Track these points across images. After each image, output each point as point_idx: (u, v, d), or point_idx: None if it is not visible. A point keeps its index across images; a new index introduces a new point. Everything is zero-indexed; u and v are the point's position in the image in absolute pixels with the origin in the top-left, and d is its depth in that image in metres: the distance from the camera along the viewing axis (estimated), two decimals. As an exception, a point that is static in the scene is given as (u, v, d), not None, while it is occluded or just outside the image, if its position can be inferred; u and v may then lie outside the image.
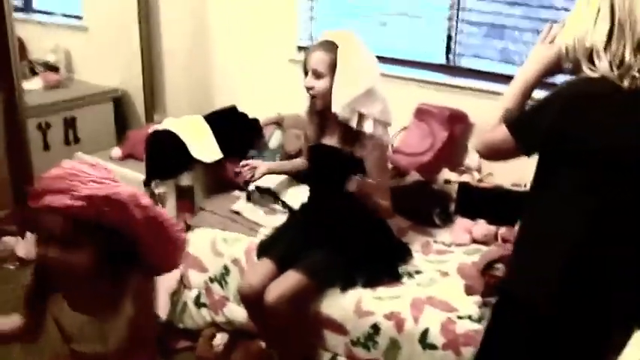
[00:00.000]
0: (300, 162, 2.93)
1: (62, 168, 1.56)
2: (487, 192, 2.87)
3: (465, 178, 3.09)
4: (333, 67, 2.50)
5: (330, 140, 2.63)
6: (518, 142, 1.69)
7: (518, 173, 3.03)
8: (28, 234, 3.83)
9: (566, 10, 3.10)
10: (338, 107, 2.50)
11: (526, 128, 1.70)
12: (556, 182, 1.68)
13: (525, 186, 2.99)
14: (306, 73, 2.58)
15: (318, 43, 2.62)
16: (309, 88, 2.57)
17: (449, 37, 3.44)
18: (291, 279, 2.45)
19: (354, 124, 2.53)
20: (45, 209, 1.50)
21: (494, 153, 1.80)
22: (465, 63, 3.46)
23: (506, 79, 3.21)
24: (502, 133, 1.71)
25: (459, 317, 2.32)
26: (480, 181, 3.03)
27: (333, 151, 2.60)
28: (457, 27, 3.40)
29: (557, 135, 1.62)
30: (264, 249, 2.70)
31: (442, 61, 3.49)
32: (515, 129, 1.69)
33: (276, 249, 2.63)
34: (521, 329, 1.74)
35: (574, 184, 1.65)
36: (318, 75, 2.52)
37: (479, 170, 3.12)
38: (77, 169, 1.55)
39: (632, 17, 1.58)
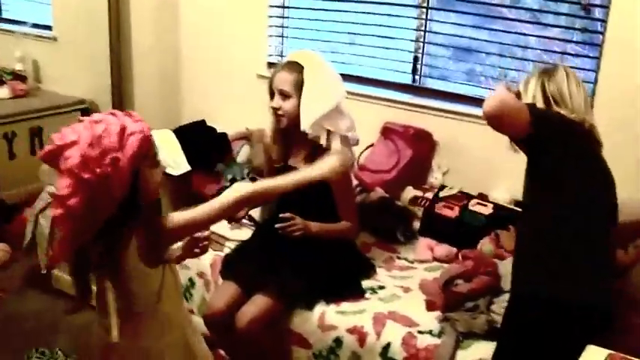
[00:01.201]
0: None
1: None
2: (450, 220, 2.94)
3: (428, 194, 3.15)
4: (299, 87, 2.53)
5: (296, 160, 2.66)
6: (532, 115, 1.87)
7: (480, 187, 3.12)
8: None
9: (531, 36, 3.21)
10: (307, 125, 2.54)
11: (543, 113, 1.95)
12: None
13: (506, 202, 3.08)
14: (271, 95, 2.60)
15: (282, 65, 2.65)
16: (276, 109, 2.58)
17: (415, 58, 3.51)
18: (261, 303, 2.46)
19: (323, 141, 2.58)
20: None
21: (504, 114, 1.88)
22: (431, 84, 3.53)
23: (471, 100, 3.33)
24: (522, 104, 1.89)
25: (420, 332, 2.36)
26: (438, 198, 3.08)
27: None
28: (424, 48, 3.48)
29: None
30: (229, 269, 2.71)
31: (408, 81, 3.56)
32: (534, 107, 1.93)
33: (242, 271, 2.63)
34: (571, 335, 1.85)
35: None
36: (285, 95, 2.56)
37: (442, 187, 3.18)
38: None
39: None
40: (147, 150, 1.62)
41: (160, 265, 1.72)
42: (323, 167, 1.85)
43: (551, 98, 2.06)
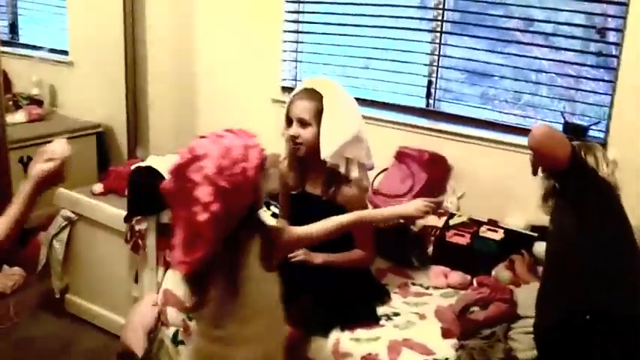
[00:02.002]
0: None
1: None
2: (462, 248, 2.92)
3: (439, 222, 3.13)
4: (318, 115, 2.52)
5: (313, 187, 2.65)
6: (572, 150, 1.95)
7: (495, 212, 3.10)
8: (6, 267, 3.81)
9: (545, 59, 3.20)
10: (328, 154, 2.52)
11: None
12: None
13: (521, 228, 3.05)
14: (288, 122, 2.58)
15: (300, 92, 2.61)
16: (294, 137, 2.56)
17: (429, 82, 3.51)
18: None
19: (342, 169, 2.56)
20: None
21: (549, 144, 1.96)
22: (445, 107, 3.53)
23: (485, 123, 3.32)
24: (567, 139, 1.98)
25: (436, 360, 2.33)
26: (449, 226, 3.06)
27: (316, 199, 2.62)
28: (437, 72, 3.48)
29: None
30: None
31: (422, 105, 3.56)
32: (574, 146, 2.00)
33: None
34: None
35: None
36: (304, 123, 2.53)
37: (451, 215, 3.16)
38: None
39: None
40: (263, 162, 1.78)
41: (276, 270, 1.89)
42: (409, 207, 2.18)
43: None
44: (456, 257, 2.92)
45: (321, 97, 2.54)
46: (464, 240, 2.94)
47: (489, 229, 2.98)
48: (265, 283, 1.87)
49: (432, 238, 3.05)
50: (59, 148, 1.98)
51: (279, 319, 2.00)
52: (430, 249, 3.06)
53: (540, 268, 2.74)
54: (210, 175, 1.66)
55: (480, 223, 3.03)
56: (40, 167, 1.93)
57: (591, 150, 2.20)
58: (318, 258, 2.54)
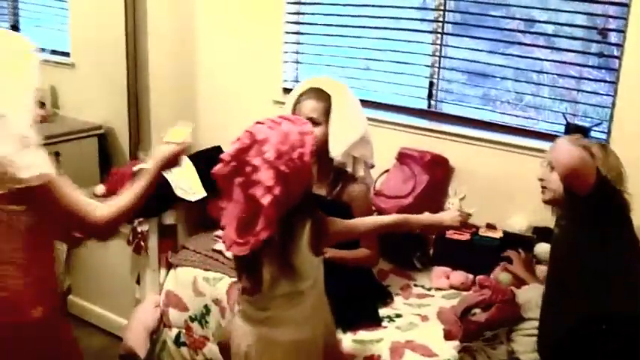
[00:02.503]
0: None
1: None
2: (463, 244, 2.92)
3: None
4: (327, 114, 2.55)
5: (320, 186, 2.65)
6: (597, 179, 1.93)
7: (497, 213, 3.10)
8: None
9: (547, 60, 3.20)
10: (338, 153, 2.55)
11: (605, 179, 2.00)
12: None
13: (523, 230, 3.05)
14: None
15: (308, 92, 2.64)
16: None
17: (430, 83, 3.51)
18: None
19: (349, 168, 2.59)
20: None
21: (581, 172, 1.93)
22: (447, 108, 3.53)
23: (486, 125, 3.32)
24: (594, 165, 1.97)
25: (438, 362, 2.33)
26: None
27: (321, 199, 2.62)
28: (439, 73, 3.48)
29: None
30: None
31: (424, 106, 3.56)
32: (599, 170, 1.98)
33: None
34: None
35: None
36: (313, 123, 2.54)
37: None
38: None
39: None
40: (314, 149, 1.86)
41: (322, 255, 1.97)
42: (445, 216, 2.23)
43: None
44: (456, 254, 2.93)
45: (329, 96, 2.55)
46: (464, 237, 2.95)
47: (489, 229, 3.00)
48: (312, 266, 1.93)
49: (433, 237, 3.06)
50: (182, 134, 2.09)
51: (324, 301, 2.08)
52: (431, 251, 3.07)
53: (540, 268, 2.76)
54: (270, 159, 1.74)
55: (477, 227, 3.03)
56: (161, 150, 2.05)
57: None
58: (327, 252, 2.55)
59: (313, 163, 1.89)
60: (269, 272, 1.89)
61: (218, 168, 1.84)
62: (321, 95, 2.58)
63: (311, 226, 1.87)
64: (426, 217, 2.23)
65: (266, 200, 1.73)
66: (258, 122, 1.85)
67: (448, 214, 2.24)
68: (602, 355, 1.92)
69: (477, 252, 2.91)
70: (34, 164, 1.69)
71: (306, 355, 2.00)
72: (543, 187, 2.29)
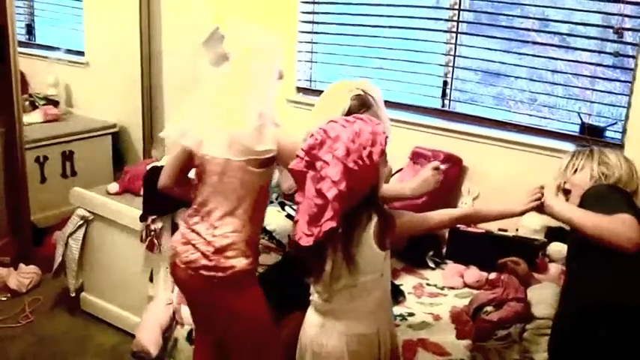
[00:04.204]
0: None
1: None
2: (477, 237, 2.91)
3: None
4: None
5: None
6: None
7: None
8: (22, 265, 3.84)
9: (561, 60, 3.18)
10: None
11: (632, 210, 1.98)
12: None
13: (517, 231, 3.04)
14: None
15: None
16: None
17: (444, 83, 3.50)
18: (298, 318, 2.45)
19: None
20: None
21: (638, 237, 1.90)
22: (460, 108, 3.52)
23: (500, 124, 3.31)
24: (631, 218, 1.92)
25: (451, 361, 2.32)
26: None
27: None
28: (453, 72, 3.48)
29: None
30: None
31: (438, 105, 3.55)
32: (631, 212, 1.95)
33: (269, 294, 2.62)
34: None
35: None
36: None
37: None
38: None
39: None
40: (385, 148, 1.90)
41: (389, 249, 1.97)
42: (517, 206, 2.17)
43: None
44: (471, 247, 2.92)
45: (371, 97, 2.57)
46: (478, 230, 2.95)
47: (500, 230, 3.00)
48: (376, 261, 1.94)
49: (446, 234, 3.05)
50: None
51: (389, 298, 2.10)
52: (444, 249, 3.06)
53: (552, 267, 2.75)
54: (340, 156, 1.81)
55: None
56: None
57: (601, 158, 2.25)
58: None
59: (384, 163, 1.95)
60: (330, 264, 1.94)
61: (294, 163, 1.91)
62: (361, 98, 2.58)
63: (378, 221, 1.91)
64: (497, 208, 2.22)
65: (331, 194, 1.80)
66: (332, 121, 1.93)
67: (520, 205, 2.17)
68: (597, 344, 1.90)
69: (493, 242, 2.91)
70: (267, 140, 2.07)
71: (369, 349, 2.01)
72: (567, 192, 2.28)
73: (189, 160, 2.25)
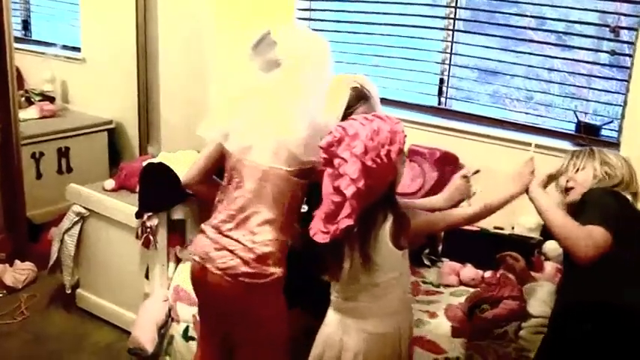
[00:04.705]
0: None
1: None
2: (473, 235, 2.91)
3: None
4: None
5: None
6: (614, 236, 1.90)
7: (501, 217, 3.08)
8: (17, 262, 3.83)
9: (557, 58, 3.19)
10: None
11: (613, 222, 1.93)
12: None
13: (513, 229, 3.05)
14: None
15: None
16: None
17: (441, 80, 3.50)
18: (297, 317, 2.45)
19: None
20: None
21: (602, 251, 1.90)
22: (457, 106, 3.52)
23: (496, 122, 3.31)
24: (601, 233, 1.90)
25: (447, 359, 2.32)
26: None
27: None
28: (449, 70, 3.48)
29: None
30: None
31: (434, 103, 3.55)
32: (609, 227, 1.92)
33: None
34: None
35: None
36: None
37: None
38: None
39: None
40: (403, 147, 1.93)
41: (405, 249, 1.99)
42: (515, 188, 2.20)
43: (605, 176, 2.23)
44: (467, 245, 2.93)
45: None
46: (473, 227, 2.95)
47: (496, 228, 3.01)
48: (393, 260, 1.96)
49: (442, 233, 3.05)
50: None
51: (409, 297, 2.13)
52: (440, 247, 3.07)
53: (547, 265, 2.76)
54: (358, 154, 1.81)
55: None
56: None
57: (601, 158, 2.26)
58: None
59: (402, 161, 1.96)
60: (348, 262, 1.95)
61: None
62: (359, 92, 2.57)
63: (393, 220, 1.92)
64: (501, 196, 2.19)
65: (349, 191, 1.81)
66: (351, 118, 1.94)
67: (518, 184, 2.20)
68: (582, 341, 1.91)
69: (488, 239, 2.92)
70: (314, 151, 1.99)
71: (392, 348, 2.02)
72: (568, 190, 2.28)
73: (220, 160, 2.24)
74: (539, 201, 2.11)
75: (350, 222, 1.83)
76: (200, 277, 2.19)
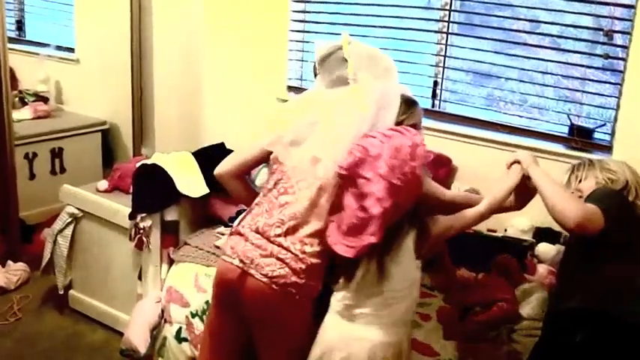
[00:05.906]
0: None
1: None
2: (466, 238, 2.91)
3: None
4: None
5: None
6: (607, 219, 1.93)
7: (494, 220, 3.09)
8: (10, 262, 3.82)
9: (551, 61, 3.20)
10: None
11: (607, 205, 1.98)
12: None
13: (506, 231, 3.05)
14: None
15: None
16: None
17: (435, 83, 3.51)
18: None
19: None
20: None
21: (592, 225, 1.93)
22: (451, 108, 3.52)
23: (490, 125, 3.32)
24: (594, 208, 1.94)
25: (440, 361, 2.33)
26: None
27: None
28: (443, 73, 3.48)
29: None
30: None
31: (428, 105, 3.55)
32: (603, 207, 1.96)
33: None
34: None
35: None
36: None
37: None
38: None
39: None
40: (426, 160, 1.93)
41: (424, 258, 2.01)
42: (511, 179, 2.21)
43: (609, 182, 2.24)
44: (460, 247, 2.92)
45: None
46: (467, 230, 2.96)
47: (489, 230, 3.01)
48: (407, 272, 1.97)
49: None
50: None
51: (415, 306, 2.11)
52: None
53: (540, 267, 2.76)
54: (384, 174, 1.83)
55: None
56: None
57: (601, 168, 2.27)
58: None
59: (426, 172, 1.97)
60: (362, 271, 1.95)
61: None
62: None
63: (416, 230, 1.95)
64: (503, 188, 2.19)
65: (376, 210, 1.83)
66: (369, 136, 1.93)
67: (512, 176, 2.21)
68: (572, 349, 1.91)
69: (483, 241, 2.93)
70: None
71: (393, 357, 2.01)
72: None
73: (261, 163, 2.24)
74: (536, 173, 2.12)
75: (375, 240, 1.84)
76: (236, 281, 2.07)
